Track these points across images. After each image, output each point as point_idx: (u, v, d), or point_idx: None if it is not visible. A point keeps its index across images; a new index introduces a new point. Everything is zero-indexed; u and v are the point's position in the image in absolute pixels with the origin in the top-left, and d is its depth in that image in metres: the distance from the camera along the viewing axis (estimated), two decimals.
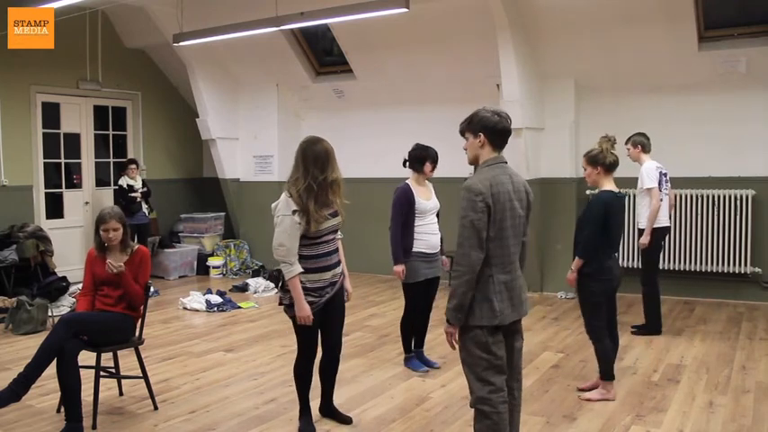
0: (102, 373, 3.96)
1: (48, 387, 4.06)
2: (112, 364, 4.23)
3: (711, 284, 7.04)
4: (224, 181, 9.50)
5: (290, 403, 4.24)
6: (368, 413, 4.09)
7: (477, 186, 2.71)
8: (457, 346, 2.87)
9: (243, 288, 8.03)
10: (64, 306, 6.64)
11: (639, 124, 7.20)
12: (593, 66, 7.16)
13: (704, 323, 6.18)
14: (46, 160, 8.30)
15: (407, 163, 4.87)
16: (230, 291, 7.92)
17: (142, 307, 4.08)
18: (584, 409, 4.09)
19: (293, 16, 6.28)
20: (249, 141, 9.41)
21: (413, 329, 4.96)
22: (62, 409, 3.83)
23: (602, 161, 4.25)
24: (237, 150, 9.50)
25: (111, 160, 9.11)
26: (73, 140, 8.63)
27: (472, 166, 3.04)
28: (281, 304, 3.68)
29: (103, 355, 3.95)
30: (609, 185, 4.29)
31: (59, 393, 3.79)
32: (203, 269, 9.17)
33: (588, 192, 7.08)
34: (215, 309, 7.03)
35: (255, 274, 8.84)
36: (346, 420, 3.91)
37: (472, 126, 2.87)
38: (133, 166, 8.35)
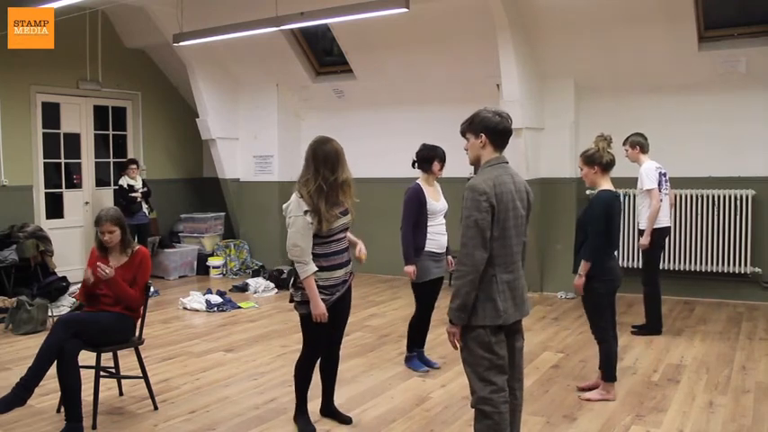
0: (102, 373, 3.96)
1: (48, 387, 4.05)
2: (112, 364, 4.23)
3: (711, 284, 7.04)
4: (224, 181, 9.50)
5: (291, 403, 4.23)
6: (368, 413, 4.09)
7: (481, 186, 2.72)
8: (458, 346, 2.87)
9: (243, 288, 8.03)
10: (64, 306, 6.63)
11: (639, 124, 7.20)
12: (593, 66, 7.16)
13: (704, 323, 6.18)
14: (46, 160, 8.30)
15: (416, 164, 4.87)
16: (230, 291, 7.92)
17: (142, 307, 4.07)
18: (584, 409, 4.09)
19: (293, 16, 6.28)
20: (249, 141, 9.41)
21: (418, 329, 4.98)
22: (62, 409, 3.82)
23: (598, 160, 4.24)
24: (237, 150, 9.50)
25: (111, 160, 9.11)
26: (73, 140, 8.63)
27: (472, 167, 3.04)
28: (291, 301, 3.70)
29: (103, 355, 3.95)
30: (606, 185, 4.28)
31: (59, 393, 3.79)
32: (203, 269, 9.17)
33: (588, 192, 7.08)
34: (215, 309, 7.03)
35: (255, 274, 8.84)
36: (346, 420, 3.91)
37: (473, 126, 2.87)
38: (133, 166, 8.35)
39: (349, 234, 3.78)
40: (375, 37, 7.72)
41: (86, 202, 8.76)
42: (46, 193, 8.35)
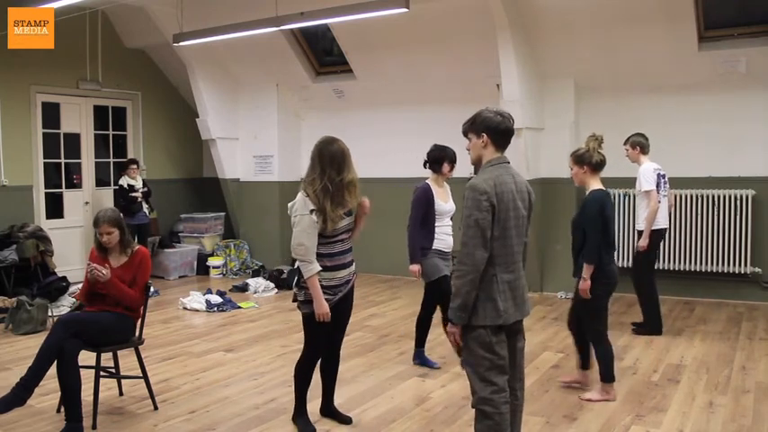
0: (102, 373, 3.96)
1: (48, 387, 4.05)
2: (112, 364, 4.23)
3: (711, 284, 7.04)
4: (224, 181, 9.50)
5: (290, 403, 4.23)
6: (368, 413, 4.09)
7: (482, 186, 2.72)
8: (459, 346, 2.87)
9: (243, 288, 8.03)
10: (64, 306, 6.63)
11: (639, 124, 7.20)
12: (593, 66, 7.15)
13: (704, 323, 6.17)
14: (46, 160, 8.30)
15: (427, 164, 4.87)
16: (230, 291, 7.91)
17: (142, 307, 4.07)
18: (585, 410, 4.09)
19: (293, 16, 6.28)
20: (249, 141, 9.41)
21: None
22: (62, 409, 3.82)
23: (588, 160, 4.23)
24: (237, 150, 9.50)
25: (111, 160, 9.11)
26: (73, 140, 8.63)
27: (472, 166, 3.04)
28: (294, 300, 3.70)
29: (103, 355, 3.95)
30: (596, 185, 4.26)
31: (59, 393, 3.79)
32: (203, 269, 9.17)
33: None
34: (215, 309, 7.03)
35: (255, 274, 8.83)
36: (346, 420, 3.91)
37: (475, 126, 2.88)
38: (134, 166, 8.35)
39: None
40: (375, 37, 7.72)
41: (86, 202, 8.76)
42: (46, 193, 8.34)
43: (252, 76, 9.18)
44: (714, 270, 6.94)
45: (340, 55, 8.52)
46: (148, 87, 9.43)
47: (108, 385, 4.33)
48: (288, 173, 9.32)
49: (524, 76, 6.99)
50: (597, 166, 4.24)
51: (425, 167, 4.93)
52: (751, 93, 6.74)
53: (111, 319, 3.89)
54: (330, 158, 3.54)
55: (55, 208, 8.46)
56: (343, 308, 3.72)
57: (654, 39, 6.65)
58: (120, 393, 4.38)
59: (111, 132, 9.12)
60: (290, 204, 3.63)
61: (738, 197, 6.79)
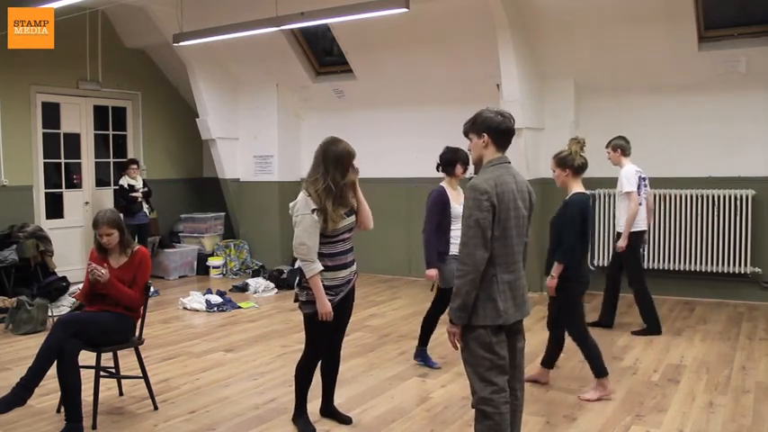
0: (102, 373, 3.96)
1: (48, 387, 4.05)
2: (112, 364, 4.23)
3: (711, 284, 7.04)
4: (224, 181, 9.50)
5: (291, 403, 4.23)
6: (368, 413, 4.09)
7: (483, 186, 2.72)
8: (459, 346, 2.87)
9: (243, 288, 8.03)
10: (64, 306, 6.63)
11: (639, 124, 7.22)
12: (593, 66, 7.15)
13: (704, 323, 6.18)
14: (46, 160, 8.30)
15: (439, 167, 4.86)
16: (230, 291, 7.91)
17: (142, 307, 4.07)
18: (585, 410, 4.09)
19: (293, 16, 6.28)
20: (249, 141, 9.41)
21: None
22: (62, 409, 3.82)
23: (570, 163, 4.30)
24: (237, 150, 9.50)
25: (111, 160, 9.11)
26: (73, 140, 8.63)
27: (473, 167, 3.04)
28: (296, 301, 3.70)
29: (103, 355, 3.95)
30: (578, 187, 4.34)
31: (59, 393, 3.79)
32: (203, 269, 9.16)
33: (589, 192, 7.10)
34: (215, 309, 7.03)
35: (255, 274, 8.83)
36: (346, 420, 3.91)
37: (476, 126, 2.88)
38: (134, 166, 8.35)
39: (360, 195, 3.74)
40: (375, 37, 7.72)
41: (86, 202, 8.76)
42: (46, 193, 8.34)
43: (252, 76, 9.18)
44: (714, 270, 6.94)
45: (340, 55, 8.52)
46: (148, 87, 9.43)
47: (108, 385, 4.33)
48: (288, 173, 9.32)
49: (524, 76, 6.99)
50: (579, 170, 4.33)
51: (438, 170, 4.89)
52: (751, 93, 6.73)
53: (111, 319, 3.89)
54: (334, 159, 3.54)
55: (55, 208, 8.46)
56: (344, 307, 3.72)
57: (654, 39, 6.65)
58: (120, 393, 4.37)
59: (111, 132, 9.11)
60: (291, 204, 3.63)
61: (738, 197, 6.79)
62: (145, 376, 4.13)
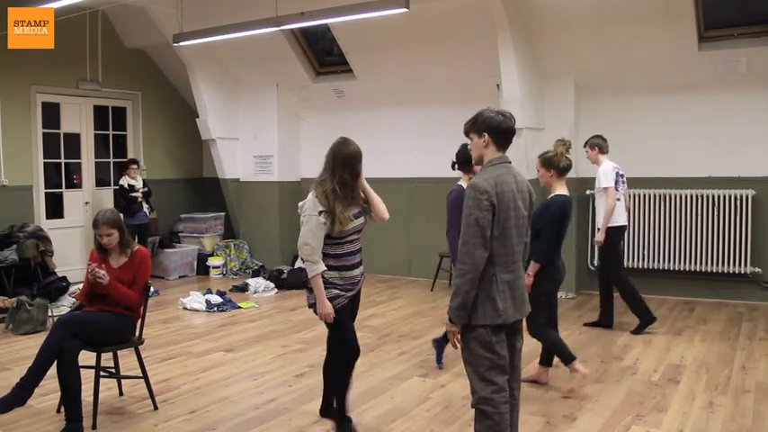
0: (102, 373, 3.96)
1: (48, 387, 4.05)
2: (112, 364, 4.23)
3: (711, 284, 7.04)
4: (224, 181, 9.50)
5: (291, 403, 4.25)
6: (368, 413, 4.09)
7: (482, 185, 2.73)
8: (459, 346, 2.87)
9: (243, 288, 8.03)
10: (64, 306, 6.63)
11: (639, 124, 7.23)
12: (593, 66, 7.15)
13: (704, 323, 6.18)
14: (46, 160, 8.30)
15: (455, 165, 4.83)
16: (230, 291, 7.91)
17: (142, 307, 4.07)
18: (584, 410, 4.09)
19: (293, 16, 6.28)
20: (249, 141, 9.41)
21: None
22: (62, 409, 3.82)
23: (555, 164, 4.38)
24: (237, 150, 9.50)
25: (111, 160, 9.11)
26: (73, 140, 8.63)
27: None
28: (311, 306, 3.65)
29: (103, 355, 3.95)
30: (561, 189, 4.41)
31: (59, 393, 3.79)
32: (203, 269, 9.16)
33: (589, 192, 7.09)
34: (215, 309, 7.03)
35: (255, 274, 8.83)
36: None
37: (477, 126, 2.89)
38: (134, 166, 8.35)
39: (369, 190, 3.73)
40: (375, 37, 7.72)
41: (86, 202, 8.76)
42: (46, 193, 8.34)
43: (252, 76, 9.18)
44: (714, 270, 6.94)
45: (340, 55, 8.52)
46: (148, 87, 9.43)
47: (108, 385, 4.33)
48: (288, 173, 9.32)
49: (524, 76, 6.99)
50: (563, 171, 4.41)
51: (453, 169, 4.85)
52: (751, 93, 6.74)
53: (111, 319, 3.89)
54: (343, 160, 3.53)
55: (55, 208, 8.46)
56: (350, 309, 3.71)
57: (654, 39, 6.65)
58: (120, 393, 4.37)
59: (111, 132, 9.11)
60: (300, 203, 3.62)
61: (738, 197, 6.79)
62: (145, 376, 4.13)
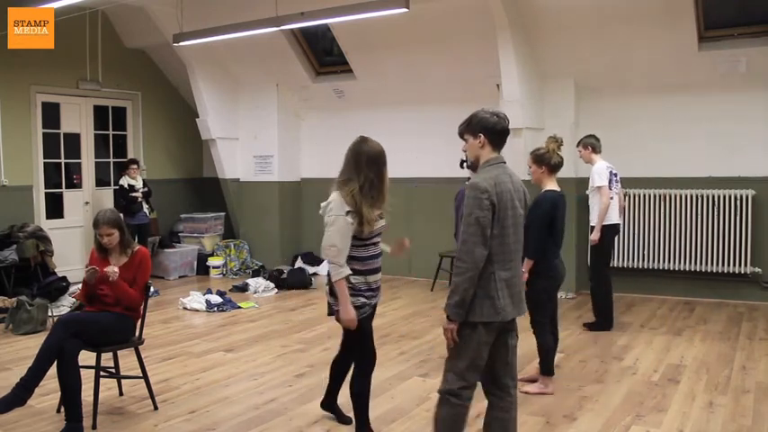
0: (102, 373, 3.96)
1: (48, 387, 4.05)
2: (112, 364, 4.23)
3: (711, 284, 7.04)
4: (224, 181, 9.50)
5: (291, 403, 4.25)
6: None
7: (483, 185, 2.76)
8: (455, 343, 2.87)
9: (243, 288, 8.03)
10: (64, 306, 6.63)
11: (639, 124, 7.23)
12: (593, 66, 7.15)
13: (704, 323, 6.18)
14: (46, 160, 8.30)
15: (464, 163, 4.82)
16: (230, 291, 7.91)
17: (142, 307, 4.07)
18: (584, 409, 4.09)
19: (293, 16, 6.28)
20: (249, 141, 9.41)
21: None
22: (62, 409, 3.82)
23: (547, 161, 4.39)
24: (237, 150, 9.50)
25: (112, 160, 9.11)
26: (73, 140, 8.62)
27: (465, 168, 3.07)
28: (331, 314, 3.55)
29: (103, 355, 3.95)
30: (552, 185, 4.42)
31: (59, 393, 3.79)
32: (203, 269, 9.16)
33: (587, 192, 7.09)
34: (215, 309, 7.03)
35: (255, 274, 8.83)
36: (346, 421, 3.90)
37: (471, 127, 2.92)
38: (134, 166, 8.35)
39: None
40: (375, 37, 7.72)
41: (86, 202, 8.76)
42: (46, 193, 8.34)
43: (252, 76, 9.18)
44: (714, 270, 6.94)
45: (340, 55, 8.52)
46: (148, 87, 9.43)
47: (108, 385, 4.33)
48: (288, 173, 9.32)
49: (524, 76, 6.99)
50: (555, 168, 4.42)
51: (462, 167, 4.83)
52: (751, 93, 6.73)
53: (111, 319, 3.89)
54: (369, 159, 3.42)
55: (55, 208, 8.46)
56: (371, 314, 3.62)
57: (654, 39, 6.65)
58: (120, 393, 4.37)
59: (111, 132, 9.11)
60: (323, 204, 3.47)
61: (738, 197, 6.79)
62: (145, 376, 4.13)
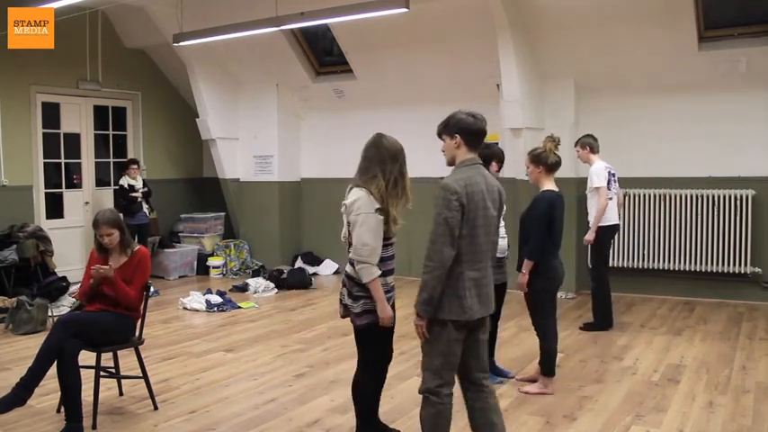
0: (102, 373, 3.96)
1: (48, 387, 4.05)
2: (112, 364, 4.23)
3: (711, 284, 7.04)
4: (224, 181, 9.50)
5: (291, 403, 4.25)
6: None
7: (453, 186, 2.80)
8: (425, 338, 2.96)
9: (243, 288, 8.03)
10: (64, 306, 6.63)
11: (639, 124, 7.23)
12: (593, 66, 7.15)
13: (704, 323, 6.17)
14: (46, 160, 8.30)
15: None
16: (230, 291, 7.91)
17: (142, 307, 4.07)
18: (584, 409, 4.09)
19: (293, 16, 6.28)
20: (249, 141, 9.40)
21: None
22: (62, 409, 3.82)
23: (544, 160, 4.37)
24: (237, 150, 9.50)
25: (111, 160, 9.11)
26: (73, 140, 8.62)
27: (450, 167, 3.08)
28: (345, 316, 3.37)
29: (103, 355, 3.95)
30: (550, 185, 4.40)
31: (59, 393, 3.79)
32: (203, 269, 9.16)
33: (587, 192, 7.08)
34: (215, 309, 7.03)
35: (255, 274, 8.83)
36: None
37: (449, 128, 2.96)
38: (134, 166, 8.35)
39: None
40: (375, 37, 7.72)
41: (86, 202, 8.76)
42: (46, 193, 8.34)
43: (252, 76, 9.18)
44: (714, 270, 6.94)
45: (340, 55, 8.51)
46: (148, 87, 9.43)
47: (108, 385, 4.33)
48: (288, 173, 9.32)
49: (524, 76, 6.99)
50: (552, 167, 4.40)
51: None
52: (751, 93, 6.73)
53: (111, 319, 3.89)
54: (392, 156, 3.30)
55: (55, 208, 8.46)
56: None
57: (654, 39, 6.65)
58: (120, 393, 4.37)
59: (111, 132, 9.11)
60: (347, 202, 3.28)
61: (738, 197, 6.79)
62: (145, 376, 4.13)
